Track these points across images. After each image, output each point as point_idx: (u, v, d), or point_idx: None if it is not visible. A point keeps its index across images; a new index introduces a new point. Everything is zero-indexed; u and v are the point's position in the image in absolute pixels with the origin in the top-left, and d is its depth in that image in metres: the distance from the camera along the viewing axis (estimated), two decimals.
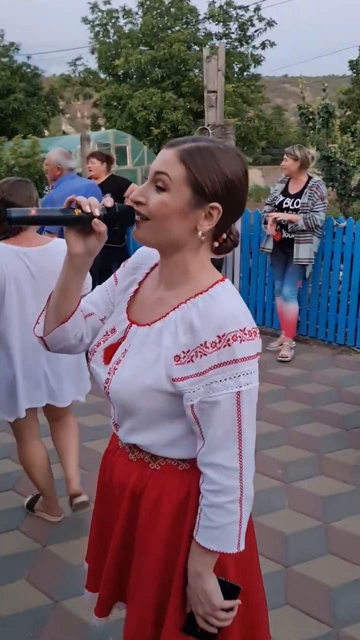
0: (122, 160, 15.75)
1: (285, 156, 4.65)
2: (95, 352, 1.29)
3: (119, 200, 4.55)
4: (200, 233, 1.14)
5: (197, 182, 1.11)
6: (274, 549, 2.53)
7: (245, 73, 20.77)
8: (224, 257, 1.26)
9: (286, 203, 4.64)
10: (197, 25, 20.34)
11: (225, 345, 1.08)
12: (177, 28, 19.51)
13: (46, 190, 7.25)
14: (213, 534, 1.16)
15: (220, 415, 1.11)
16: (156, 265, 1.28)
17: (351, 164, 7.73)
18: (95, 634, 2.08)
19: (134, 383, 1.18)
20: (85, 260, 1.19)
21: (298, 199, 4.59)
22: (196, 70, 18.48)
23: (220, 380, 1.10)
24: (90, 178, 5.27)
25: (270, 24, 20.08)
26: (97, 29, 19.99)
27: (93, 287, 1.69)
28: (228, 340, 1.08)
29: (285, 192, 4.70)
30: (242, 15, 20.06)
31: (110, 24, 19.98)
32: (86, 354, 1.36)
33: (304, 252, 4.62)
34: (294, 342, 5.01)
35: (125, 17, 20.04)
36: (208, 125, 6.18)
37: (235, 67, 20.12)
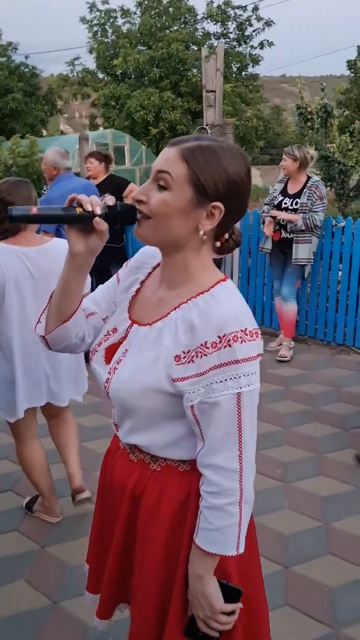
0: (121, 160, 15.73)
1: (284, 156, 4.65)
2: (97, 351, 1.29)
3: (118, 200, 4.53)
4: (201, 232, 1.14)
5: (199, 181, 1.10)
6: (274, 550, 2.52)
7: (243, 73, 20.76)
8: (222, 257, 1.25)
9: (285, 203, 4.64)
10: (195, 25, 20.33)
11: (225, 346, 1.08)
12: (175, 28, 19.49)
13: (44, 190, 7.24)
14: (212, 536, 1.15)
15: (221, 416, 1.11)
16: (158, 264, 1.27)
17: (350, 164, 7.74)
18: (95, 635, 2.07)
19: (133, 383, 1.17)
20: (86, 259, 1.18)
21: (297, 199, 4.58)
22: (194, 70, 18.46)
23: (221, 381, 1.09)
24: (88, 178, 5.26)
25: (269, 23, 20.06)
26: (95, 28, 19.97)
27: (92, 287, 1.68)
28: (229, 341, 1.07)
29: (284, 192, 4.70)
30: (241, 15, 20.04)
31: (109, 23, 19.95)
32: (87, 354, 1.35)
33: (303, 252, 4.62)
34: (293, 342, 5.01)
35: (123, 16, 20.01)
36: (207, 125, 6.17)
37: (233, 66, 20.10)
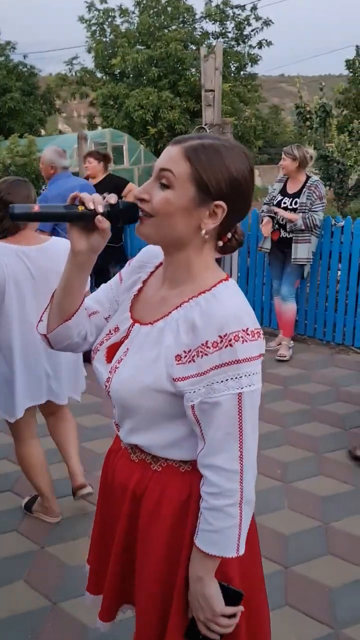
0: (119, 160, 15.71)
1: (283, 155, 4.64)
2: (98, 350, 1.28)
3: None
4: (203, 231, 1.13)
5: (201, 180, 1.09)
6: (274, 550, 2.52)
7: (241, 72, 20.75)
8: (221, 256, 1.24)
9: (284, 202, 4.63)
10: (194, 24, 20.32)
11: (227, 346, 1.07)
12: (173, 27, 19.48)
13: (42, 189, 7.23)
14: (212, 537, 1.14)
15: (221, 416, 1.10)
16: (161, 264, 1.27)
17: (348, 163, 7.73)
18: (95, 636, 2.06)
19: (133, 382, 1.16)
20: (88, 257, 1.18)
21: (296, 199, 4.57)
22: (193, 70, 18.46)
23: (222, 381, 1.09)
24: (87, 177, 5.26)
25: (267, 23, 20.06)
26: (93, 28, 19.96)
27: (91, 287, 1.68)
28: (230, 341, 1.07)
29: (283, 192, 4.69)
30: (239, 14, 20.05)
31: (107, 23, 19.95)
32: (87, 353, 1.35)
33: (302, 251, 4.61)
34: (292, 342, 5.00)
35: (121, 16, 20.00)
36: (206, 124, 6.16)
37: (232, 66, 20.11)
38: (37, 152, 10.33)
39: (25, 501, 2.84)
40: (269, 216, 4.70)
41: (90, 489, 2.71)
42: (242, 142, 19.46)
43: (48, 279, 2.34)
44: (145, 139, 18.30)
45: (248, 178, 1.14)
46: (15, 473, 3.11)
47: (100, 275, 4.81)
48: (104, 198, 1.14)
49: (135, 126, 18.22)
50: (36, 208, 1.10)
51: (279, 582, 2.34)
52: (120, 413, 1.25)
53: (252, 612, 1.29)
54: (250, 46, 20.40)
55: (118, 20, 20.02)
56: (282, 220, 4.63)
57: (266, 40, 20.29)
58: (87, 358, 2.60)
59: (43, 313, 1.29)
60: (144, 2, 19.55)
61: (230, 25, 20.12)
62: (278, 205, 4.65)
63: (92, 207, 1.11)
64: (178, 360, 1.12)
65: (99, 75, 20.89)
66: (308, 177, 4.64)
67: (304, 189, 4.56)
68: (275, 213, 4.64)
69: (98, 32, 19.95)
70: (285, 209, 4.61)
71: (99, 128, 20.36)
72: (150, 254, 1.33)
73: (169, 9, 19.61)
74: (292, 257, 4.63)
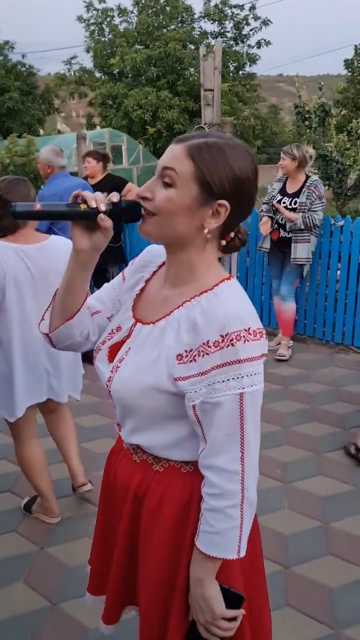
0: (118, 160, 15.71)
1: (282, 155, 4.62)
2: (100, 350, 1.27)
3: None
4: (206, 231, 1.12)
5: (204, 179, 1.09)
6: (274, 550, 2.51)
7: (240, 72, 20.76)
8: (222, 256, 1.24)
9: (284, 202, 4.62)
10: (193, 24, 20.33)
11: (228, 345, 1.06)
12: (172, 27, 19.48)
13: (41, 189, 7.22)
14: (213, 539, 1.13)
15: (222, 416, 1.09)
16: (164, 263, 1.26)
17: (347, 163, 7.72)
18: (95, 637, 2.06)
19: (134, 382, 1.16)
20: (91, 256, 1.17)
21: (296, 198, 4.57)
22: (192, 69, 18.47)
23: (223, 381, 1.08)
24: (86, 177, 5.25)
25: (266, 23, 20.08)
26: (92, 27, 19.95)
27: (90, 287, 1.67)
28: (231, 340, 1.06)
29: (283, 191, 4.68)
30: (238, 14, 20.06)
31: (106, 22, 19.94)
32: (86, 353, 1.34)
33: (301, 251, 4.61)
34: (291, 342, 5.00)
35: (120, 15, 20.01)
36: (205, 124, 6.15)
37: (230, 66, 20.12)
38: (36, 152, 10.33)
39: (24, 502, 2.84)
40: (268, 216, 4.69)
41: (91, 485, 2.74)
42: None
43: (47, 278, 2.34)
44: (144, 138, 18.30)
45: (251, 177, 1.13)
46: (14, 473, 3.10)
47: (99, 275, 4.80)
48: (107, 196, 1.14)
49: (134, 126, 18.23)
50: (38, 206, 1.09)
51: (279, 582, 2.34)
52: (122, 413, 1.25)
53: (254, 612, 1.29)
54: (249, 46, 20.44)
55: (117, 20, 20.04)
56: (282, 219, 4.62)
57: (265, 40, 20.34)
58: (86, 358, 2.62)
59: (45, 312, 1.28)
60: (143, 1, 19.56)
61: (229, 25, 20.14)
62: (275, 207, 4.63)
63: (94, 205, 1.10)
64: (179, 360, 1.11)
65: (97, 75, 20.89)
66: (307, 177, 4.63)
67: (304, 189, 4.56)
68: (276, 210, 4.63)
69: (97, 31, 19.95)
70: (285, 208, 4.60)
71: (98, 128, 20.36)
72: (154, 254, 1.32)
73: (167, 8, 19.62)
74: (292, 256, 4.62)
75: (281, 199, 4.64)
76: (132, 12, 20.00)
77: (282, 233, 4.66)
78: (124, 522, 1.28)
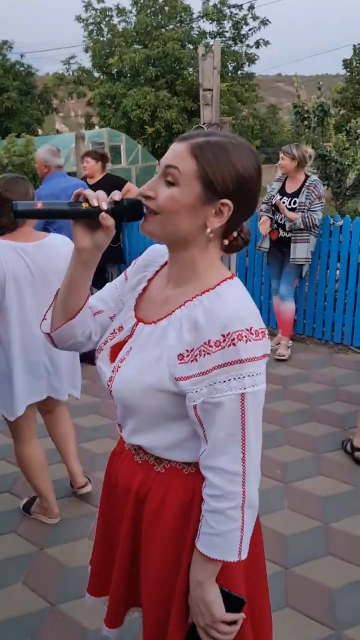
0: (117, 159, 15.70)
1: (281, 155, 4.61)
2: (102, 349, 1.27)
3: None
4: (209, 230, 1.12)
5: (207, 177, 1.08)
6: (274, 551, 2.50)
7: (239, 72, 20.77)
8: (223, 255, 1.23)
9: (283, 202, 4.62)
10: (191, 23, 20.33)
11: (229, 345, 1.05)
12: (171, 26, 19.49)
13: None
14: (213, 541, 1.12)
15: (223, 417, 1.08)
16: (167, 263, 1.25)
17: (346, 163, 7.72)
18: (95, 638, 2.05)
19: (135, 382, 1.15)
20: (92, 255, 1.16)
21: (295, 198, 4.56)
22: (190, 69, 18.47)
23: (224, 381, 1.07)
24: (85, 177, 5.24)
25: (264, 22, 20.10)
26: (90, 27, 19.95)
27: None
28: (233, 340, 1.05)
29: (282, 191, 4.67)
30: (236, 14, 20.07)
31: (104, 22, 19.93)
32: (86, 352, 1.33)
33: (300, 251, 4.60)
34: (290, 341, 4.99)
35: (119, 15, 20.01)
36: (204, 124, 6.14)
37: (229, 65, 20.12)
38: (35, 152, 10.31)
39: (23, 502, 2.83)
40: (267, 216, 4.68)
41: (90, 487, 2.73)
42: None
43: (47, 276, 2.34)
44: (142, 138, 18.30)
45: (255, 176, 1.12)
46: (13, 474, 3.09)
47: (98, 275, 4.79)
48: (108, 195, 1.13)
49: (133, 126, 18.22)
50: (39, 205, 1.08)
51: (279, 583, 2.33)
52: (123, 413, 1.24)
53: (255, 612, 1.28)
54: (248, 45, 20.46)
55: (115, 20, 20.04)
56: (281, 219, 4.61)
57: (263, 40, 20.35)
58: (85, 358, 2.62)
59: (47, 311, 1.27)
60: (141, 1, 19.56)
61: (227, 24, 20.15)
62: (276, 205, 4.62)
63: (96, 204, 1.09)
64: (180, 360, 1.10)
65: (96, 74, 20.89)
66: (307, 177, 4.62)
67: (303, 189, 4.55)
68: (276, 210, 4.62)
69: (95, 31, 19.94)
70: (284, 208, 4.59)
71: (96, 127, 20.36)
72: (156, 253, 1.32)
73: (166, 8, 19.62)
74: (291, 257, 4.62)
75: (280, 199, 4.63)
76: (130, 11, 20.01)
77: (282, 233, 4.66)
78: (125, 523, 1.28)
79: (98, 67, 20.09)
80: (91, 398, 3.95)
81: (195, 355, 1.09)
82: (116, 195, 1.12)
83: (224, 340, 1.06)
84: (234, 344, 1.05)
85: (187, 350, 1.10)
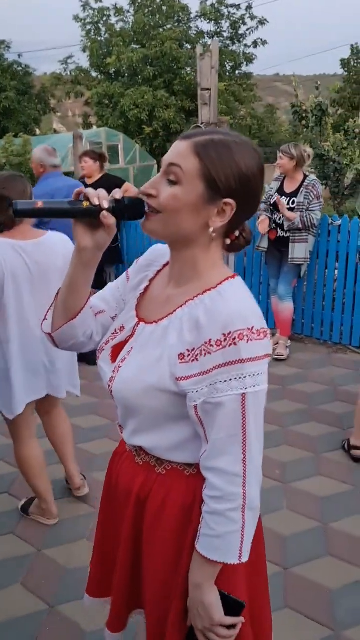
0: (115, 159, 15.69)
1: (280, 154, 4.60)
2: (104, 349, 1.26)
3: None
4: (211, 229, 1.11)
5: (210, 176, 1.07)
6: (273, 551, 2.49)
7: (237, 72, 20.78)
8: (225, 254, 1.22)
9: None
10: (189, 23, 20.33)
11: (230, 344, 1.04)
12: (168, 26, 19.48)
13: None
14: (213, 543, 1.11)
15: (224, 417, 1.07)
16: (168, 263, 1.24)
17: (344, 162, 7.72)
18: None
19: (135, 382, 1.14)
20: (94, 254, 1.15)
21: (294, 198, 4.55)
22: (188, 69, 18.47)
23: (225, 381, 1.06)
24: (83, 177, 5.23)
25: (262, 22, 20.10)
26: (88, 27, 19.93)
27: None
28: (234, 339, 1.04)
29: (280, 191, 4.66)
30: (234, 13, 20.07)
31: (102, 22, 19.92)
32: (88, 353, 1.32)
33: (299, 251, 4.59)
34: (289, 341, 4.99)
35: (116, 15, 19.99)
36: (202, 123, 6.14)
37: (227, 65, 20.12)
38: (32, 152, 10.30)
39: (21, 503, 2.82)
40: (268, 216, 4.67)
41: (88, 489, 2.74)
42: None
43: (45, 274, 2.34)
44: (140, 138, 18.29)
45: (258, 175, 1.11)
46: (11, 475, 3.08)
47: (97, 274, 4.78)
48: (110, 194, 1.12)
49: (131, 125, 18.21)
50: (39, 204, 1.07)
51: (279, 583, 2.32)
52: (124, 414, 1.23)
53: (255, 613, 1.27)
54: (246, 45, 20.46)
55: (113, 19, 20.02)
56: (280, 219, 4.61)
57: (261, 40, 20.35)
58: (83, 358, 2.61)
59: (48, 311, 1.26)
60: (139, 1, 19.54)
61: (225, 24, 20.15)
62: (275, 205, 4.62)
63: (97, 202, 1.08)
64: (181, 359, 1.09)
65: (94, 74, 20.88)
66: (305, 177, 4.61)
67: (302, 188, 4.54)
68: (274, 210, 4.62)
69: (93, 31, 19.92)
70: None
71: (94, 127, 20.34)
72: (158, 253, 1.31)
73: (164, 8, 19.62)
74: (290, 256, 4.61)
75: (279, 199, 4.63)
76: (128, 11, 19.99)
77: (280, 232, 4.65)
78: (126, 525, 1.27)
79: (96, 67, 20.07)
80: (90, 398, 3.94)
81: (196, 355, 1.08)
82: (117, 193, 1.11)
83: (225, 340, 1.05)
84: (235, 344, 1.04)
85: (188, 350, 1.09)
